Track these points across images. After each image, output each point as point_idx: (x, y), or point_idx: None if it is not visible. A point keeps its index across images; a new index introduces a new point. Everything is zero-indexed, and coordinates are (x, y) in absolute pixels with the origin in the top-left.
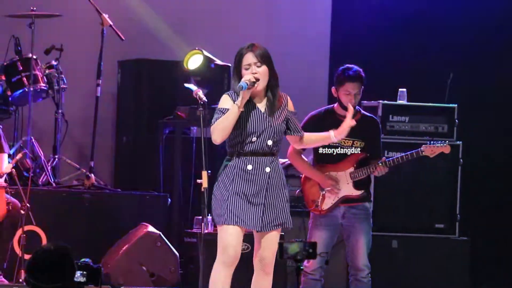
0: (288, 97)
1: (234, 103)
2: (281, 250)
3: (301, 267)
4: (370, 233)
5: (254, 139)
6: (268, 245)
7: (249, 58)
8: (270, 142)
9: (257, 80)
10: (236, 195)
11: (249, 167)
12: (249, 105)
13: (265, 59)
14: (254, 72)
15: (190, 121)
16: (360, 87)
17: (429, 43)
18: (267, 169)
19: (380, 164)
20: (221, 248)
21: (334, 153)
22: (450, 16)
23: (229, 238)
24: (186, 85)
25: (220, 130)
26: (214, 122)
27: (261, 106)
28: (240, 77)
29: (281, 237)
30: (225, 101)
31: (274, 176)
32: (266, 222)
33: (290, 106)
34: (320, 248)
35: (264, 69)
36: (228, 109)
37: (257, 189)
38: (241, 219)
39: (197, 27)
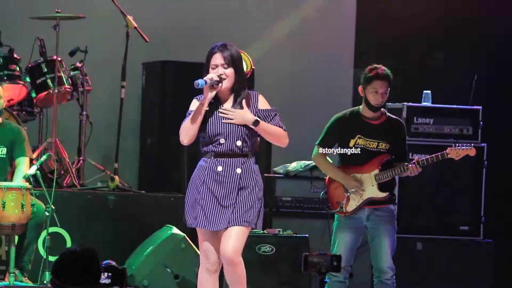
0: (260, 95)
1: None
2: (305, 262)
3: (325, 280)
4: (394, 235)
5: (222, 140)
6: (228, 237)
7: (217, 58)
8: (239, 143)
9: (222, 80)
10: (207, 197)
11: (219, 168)
12: (216, 107)
13: (233, 61)
14: (220, 73)
15: None
16: (388, 87)
17: (454, 45)
18: (238, 170)
19: (405, 166)
20: (202, 254)
21: (359, 155)
22: (475, 17)
23: (209, 245)
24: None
25: (185, 130)
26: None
27: (228, 106)
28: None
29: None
30: (193, 104)
31: (246, 177)
32: (233, 219)
33: (262, 104)
34: (345, 250)
35: (230, 71)
36: (193, 111)
37: (227, 190)
38: (213, 222)
39: (221, 28)
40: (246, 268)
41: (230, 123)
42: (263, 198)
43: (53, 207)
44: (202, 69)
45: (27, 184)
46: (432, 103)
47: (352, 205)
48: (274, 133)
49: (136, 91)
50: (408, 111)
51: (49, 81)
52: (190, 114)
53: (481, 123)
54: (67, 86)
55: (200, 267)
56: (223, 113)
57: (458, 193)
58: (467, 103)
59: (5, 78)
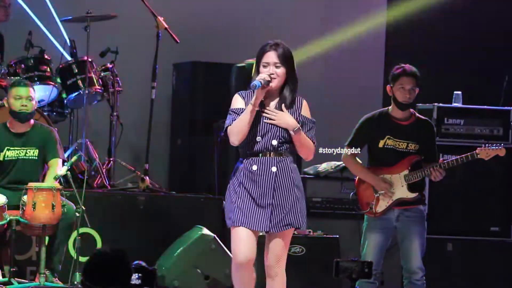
0: (304, 101)
1: (248, 102)
2: (337, 268)
3: (356, 287)
4: (424, 236)
5: (258, 138)
6: (270, 248)
7: (270, 56)
8: (274, 142)
9: (272, 79)
10: (244, 196)
11: (254, 167)
12: (259, 104)
13: (286, 60)
14: (271, 72)
15: None
16: (415, 84)
17: (484, 45)
18: (273, 169)
19: (436, 167)
20: (233, 253)
21: (389, 156)
22: (506, 17)
23: (238, 243)
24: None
25: (237, 132)
26: (229, 124)
27: (272, 105)
28: (258, 73)
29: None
30: (236, 101)
31: (282, 176)
32: (274, 223)
33: (305, 111)
34: (375, 251)
35: (282, 70)
36: (241, 109)
37: (263, 189)
38: (249, 221)
39: (251, 28)
40: None
41: (270, 123)
42: (303, 195)
43: (84, 208)
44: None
45: (57, 185)
46: (463, 104)
47: (382, 206)
48: (306, 145)
49: (167, 91)
50: (439, 112)
51: (79, 82)
52: (235, 112)
53: (511, 123)
54: (97, 87)
55: (232, 264)
56: (267, 113)
57: (489, 194)
58: (498, 104)
59: (36, 79)
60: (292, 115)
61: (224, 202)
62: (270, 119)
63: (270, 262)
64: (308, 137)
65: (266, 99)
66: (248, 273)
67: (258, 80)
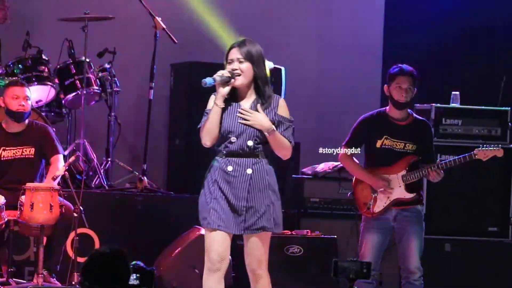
0: (282, 100)
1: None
2: (335, 268)
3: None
4: (422, 236)
5: (233, 139)
6: (250, 252)
7: (233, 53)
8: (250, 143)
9: (235, 75)
10: (219, 197)
11: (229, 168)
12: (234, 104)
13: (250, 56)
14: (235, 68)
15: None
16: (412, 83)
17: (482, 46)
18: (249, 171)
19: (433, 167)
20: (206, 254)
21: (386, 156)
22: (504, 18)
23: (211, 243)
24: None
25: (205, 133)
26: (201, 125)
27: (246, 105)
28: None
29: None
30: (211, 101)
31: (257, 179)
32: (247, 226)
33: (282, 111)
34: (372, 251)
35: (246, 65)
36: None
37: (238, 191)
38: (223, 222)
39: (248, 28)
40: (274, 269)
41: (244, 124)
42: (280, 198)
43: (82, 208)
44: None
45: (55, 185)
46: (461, 104)
47: (379, 206)
48: (282, 146)
49: (165, 92)
50: (437, 112)
51: (77, 82)
52: (206, 113)
53: (509, 124)
54: (95, 87)
55: (204, 268)
56: (241, 113)
57: (487, 194)
58: (495, 104)
59: (33, 79)
60: (267, 115)
61: (199, 200)
62: (245, 119)
63: (252, 266)
64: (285, 137)
65: (241, 99)
66: (219, 275)
67: (212, 77)
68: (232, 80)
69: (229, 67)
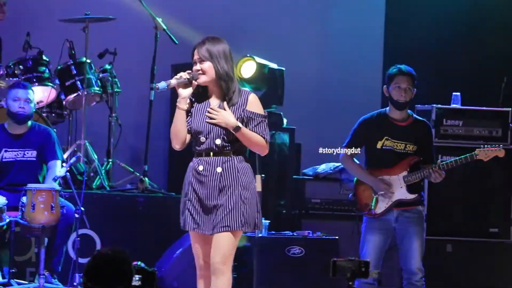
0: (252, 95)
1: (196, 102)
2: (334, 267)
3: (353, 286)
4: (423, 237)
5: (202, 139)
6: (214, 247)
7: (195, 54)
8: (218, 141)
9: (196, 76)
10: (192, 198)
11: (200, 168)
12: (205, 103)
13: (211, 55)
14: (197, 69)
15: None
16: (411, 83)
17: (483, 47)
18: (218, 170)
19: (435, 168)
20: (195, 255)
21: (387, 157)
22: (504, 19)
23: (196, 248)
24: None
25: (173, 135)
26: None
27: (215, 103)
28: None
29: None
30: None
31: (227, 177)
32: (215, 224)
33: (251, 105)
34: (374, 252)
35: (207, 65)
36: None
37: (209, 190)
38: (197, 224)
39: (248, 30)
40: (275, 270)
41: (211, 123)
42: (253, 196)
43: (83, 209)
44: None
45: (56, 186)
46: (462, 105)
47: (381, 207)
48: (254, 142)
49: (165, 93)
50: (437, 113)
51: (78, 83)
52: None
53: (510, 125)
54: (96, 88)
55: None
56: (209, 112)
57: (488, 195)
58: (496, 105)
59: (34, 80)
60: (235, 112)
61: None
62: (211, 118)
63: (215, 259)
64: (257, 133)
65: (210, 99)
66: (209, 275)
67: (168, 80)
68: (193, 81)
69: (194, 68)
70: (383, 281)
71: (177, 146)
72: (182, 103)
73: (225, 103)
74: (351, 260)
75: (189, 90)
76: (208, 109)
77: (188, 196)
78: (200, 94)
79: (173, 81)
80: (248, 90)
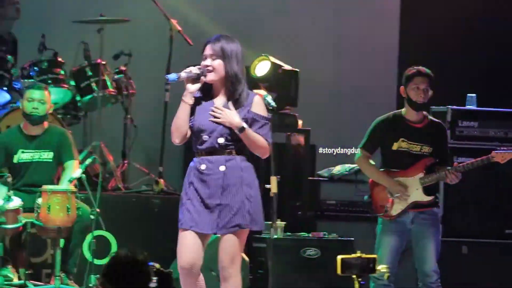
0: (257, 97)
1: (199, 98)
2: (342, 265)
3: (362, 282)
4: (439, 239)
5: (205, 137)
6: (223, 249)
7: (207, 49)
8: (221, 140)
9: (205, 72)
10: (193, 197)
11: (203, 166)
12: (209, 102)
13: (224, 53)
14: (206, 64)
15: None
16: (429, 84)
17: (498, 48)
18: (222, 168)
19: (451, 169)
20: (177, 257)
21: (403, 158)
22: None
23: (182, 248)
24: (255, 91)
25: (174, 129)
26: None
27: (220, 102)
28: None
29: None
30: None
31: (231, 175)
32: (222, 225)
33: (256, 108)
34: (389, 254)
35: (218, 62)
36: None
37: (212, 189)
38: (196, 223)
39: (263, 30)
40: (291, 271)
41: (215, 122)
42: (257, 194)
43: (98, 211)
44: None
45: (72, 188)
46: (477, 106)
47: (397, 209)
48: (256, 144)
49: (180, 94)
50: (453, 114)
51: (93, 84)
52: None
53: None
54: (111, 89)
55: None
56: (213, 111)
57: (504, 196)
58: None
59: (49, 81)
60: (240, 113)
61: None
62: (215, 117)
63: (224, 263)
64: (260, 135)
65: (215, 97)
66: (192, 280)
67: (178, 73)
68: (202, 77)
69: (202, 63)
70: (399, 283)
71: (177, 140)
72: (188, 98)
73: (230, 103)
74: (359, 257)
75: (197, 86)
76: (212, 107)
77: (188, 195)
78: (205, 92)
79: (183, 74)
80: (253, 92)
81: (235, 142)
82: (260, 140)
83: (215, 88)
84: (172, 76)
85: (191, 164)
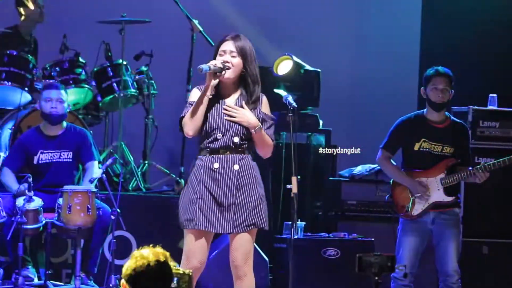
0: (265, 99)
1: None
2: (360, 263)
3: (379, 281)
4: (459, 239)
5: (219, 135)
6: (237, 247)
7: (227, 45)
8: (236, 139)
9: (226, 68)
10: (204, 196)
11: (216, 165)
12: (218, 100)
13: (243, 53)
14: (226, 60)
15: (280, 126)
16: (448, 84)
17: None
18: (236, 167)
19: (480, 169)
20: (185, 256)
21: (424, 159)
22: None
23: (194, 248)
24: (276, 90)
25: (191, 120)
26: (184, 115)
27: (231, 102)
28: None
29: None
30: (194, 94)
31: (244, 174)
32: (237, 223)
33: (265, 108)
34: (410, 254)
35: (237, 61)
36: None
37: (226, 188)
38: (214, 224)
39: (286, 32)
40: (311, 272)
41: (231, 121)
42: (264, 194)
43: (119, 211)
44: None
45: (93, 188)
46: (498, 106)
47: (417, 209)
48: (266, 144)
49: None
50: (474, 114)
51: (114, 85)
52: (191, 104)
53: None
54: (132, 90)
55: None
56: (226, 110)
57: None
58: None
59: (70, 81)
60: (253, 110)
61: (181, 202)
62: (231, 116)
63: (238, 262)
64: (268, 135)
65: (225, 96)
66: (197, 276)
67: (207, 64)
68: (222, 72)
69: (220, 58)
70: (420, 283)
71: (190, 132)
72: (210, 91)
73: (244, 102)
74: (377, 255)
75: (216, 80)
76: (225, 106)
77: (199, 195)
78: (216, 90)
79: (212, 67)
80: (274, 91)
81: (249, 141)
82: (269, 140)
83: (224, 86)
84: (205, 67)
85: (198, 162)
